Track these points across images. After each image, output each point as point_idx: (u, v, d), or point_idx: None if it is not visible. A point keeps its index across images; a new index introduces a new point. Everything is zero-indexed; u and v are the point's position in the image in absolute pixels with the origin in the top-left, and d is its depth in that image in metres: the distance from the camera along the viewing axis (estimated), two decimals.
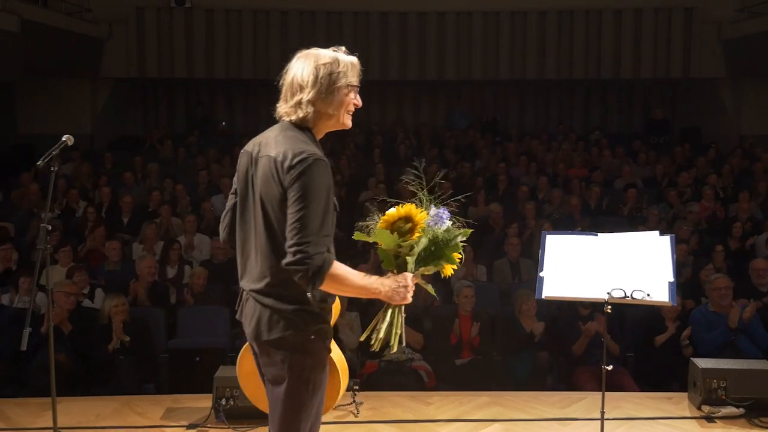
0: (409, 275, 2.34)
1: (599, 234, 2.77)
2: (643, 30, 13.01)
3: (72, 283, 5.89)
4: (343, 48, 2.39)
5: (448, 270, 2.40)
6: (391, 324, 2.37)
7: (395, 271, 2.36)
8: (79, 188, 9.64)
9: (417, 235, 2.31)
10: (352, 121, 2.44)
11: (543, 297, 2.76)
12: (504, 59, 13.23)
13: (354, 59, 2.38)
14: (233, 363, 4.67)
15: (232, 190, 2.49)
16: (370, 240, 2.38)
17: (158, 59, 13.31)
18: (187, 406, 4.56)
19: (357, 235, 2.40)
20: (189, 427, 4.23)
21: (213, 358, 5.33)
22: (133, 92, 14.45)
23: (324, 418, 4.32)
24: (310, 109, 2.32)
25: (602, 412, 3.15)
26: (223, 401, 4.19)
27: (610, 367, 2.95)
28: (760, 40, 11.84)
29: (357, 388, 4.47)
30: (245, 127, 14.74)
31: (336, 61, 2.32)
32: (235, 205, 2.46)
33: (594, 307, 5.67)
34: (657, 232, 2.75)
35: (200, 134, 13.33)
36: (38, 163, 3.44)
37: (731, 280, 5.59)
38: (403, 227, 2.34)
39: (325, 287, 2.22)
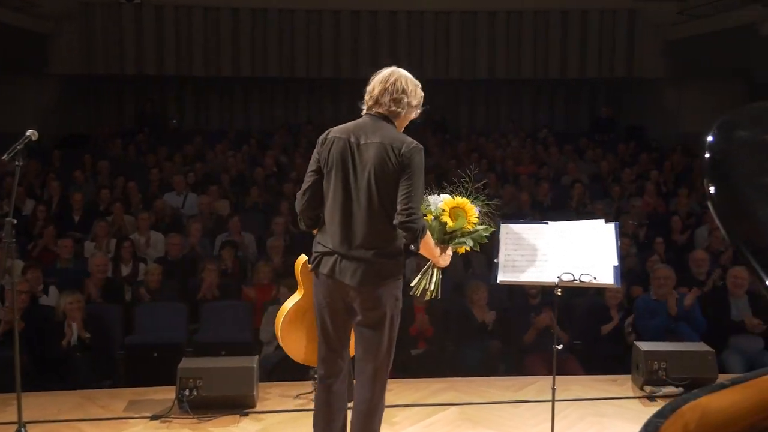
0: (450, 248, 3.13)
1: (550, 222, 2.97)
2: (588, 31, 13.37)
3: (25, 280, 5.85)
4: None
5: (462, 249, 3.15)
6: (436, 278, 3.19)
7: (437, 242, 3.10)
8: (26, 186, 9.49)
9: (470, 225, 3.08)
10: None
11: (498, 282, 2.96)
12: (455, 59, 13.44)
13: None
14: (192, 357, 4.76)
15: (314, 169, 3.10)
16: (450, 221, 3.11)
17: (106, 56, 13.12)
18: (149, 398, 4.60)
19: (425, 210, 3.11)
20: (152, 418, 4.27)
21: (170, 353, 5.36)
22: (81, 89, 14.20)
23: (285, 406, 4.46)
24: (402, 111, 3.06)
25: (553, 390, 3.34)
26: (187, 392, 4.25)
27: (560, 347, 3.14)
28: (700, 41, 12.30)
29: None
30: (196, 125, 14.67)
31: (421, 89, 3.17)
32: (316, 182, 3.09)
33: (543, 297, 5.90)
34: (602, 220, 2.94)
35: (150, 132, 13.20)
36: (3, 158, 3.47)
37: (673, 270, 5.88)
38: (460, 213, 3.11)
39: (423, 244, 2.97)
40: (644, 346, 4.65)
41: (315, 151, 3.17)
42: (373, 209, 2.99)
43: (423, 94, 3.16)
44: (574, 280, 2.70)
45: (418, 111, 3.16)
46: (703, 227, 8.03)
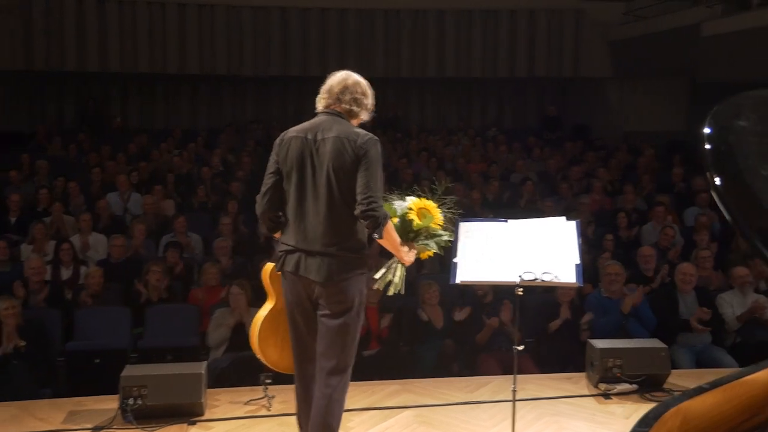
0: (414, 246, 3.19)
1: (509, 220, 2.91)
2: (536, 31, 13.49)
3: None
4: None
5: (425, 255, 3.22)
6: (401, 273, 3.30)
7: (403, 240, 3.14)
8: None
9: (435, 225, 3.13)
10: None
11: (458, 282, 2.89)
12: (405, 57, 13.41)
13: None
14: (136, 363, 4.58)
15: (273, 170, 3.15)
16: (417, 219, 3.17)
17: (47, 52, 12.66)
18: (90, 408, 4.39)
19: (387, 207, 3.17)
20: (94, 429, 4.08)
21: (113, 359, 5.15)
22: (19, 86, 13.68)
23: (234, 413, 4.31)
24: (358, 110, 3.17)
25: (514, 390, 3.29)
26: (131, 401, 4.07)
27: (521, 347, 3.09)
28: (643, 42, 12.54)
29: (269, 381, 4.44)
30: (141, 123, 14.30)
31: (373, 92, 3.28)
32: (276, 184, 3.14)
33: (495, 296, 5.87)
34: (564, 218, 2.90)
35: (92, 131, 12.79)
36: None
37: (622, 266, 5.92)
38: (427, 215, 3.19)
39: (384, 234, 2.99)
40: (599, 343, 4.65)
41: (273, 152, 3.21)
42: (334, 203, 3.04)
43: (373, 95, 3.29)
44: (536, 279, 2.65)
45: (370, 115, 3.26)
46: (650, 224, 8.14)
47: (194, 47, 13.12)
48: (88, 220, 7.64)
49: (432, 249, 3.16)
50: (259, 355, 3.63)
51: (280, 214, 3.25)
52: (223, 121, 14.18)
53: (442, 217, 3.19)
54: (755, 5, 10.15)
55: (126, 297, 6.16)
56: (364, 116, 3.24)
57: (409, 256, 3.19)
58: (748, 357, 5.25)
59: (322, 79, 3.29)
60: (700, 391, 1.39)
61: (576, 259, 2.67)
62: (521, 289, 2.82)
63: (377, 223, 2.97)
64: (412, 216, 3.17)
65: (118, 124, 13.80)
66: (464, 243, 2.84)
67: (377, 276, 3.28)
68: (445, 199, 3.28)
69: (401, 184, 10.16)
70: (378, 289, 5.58)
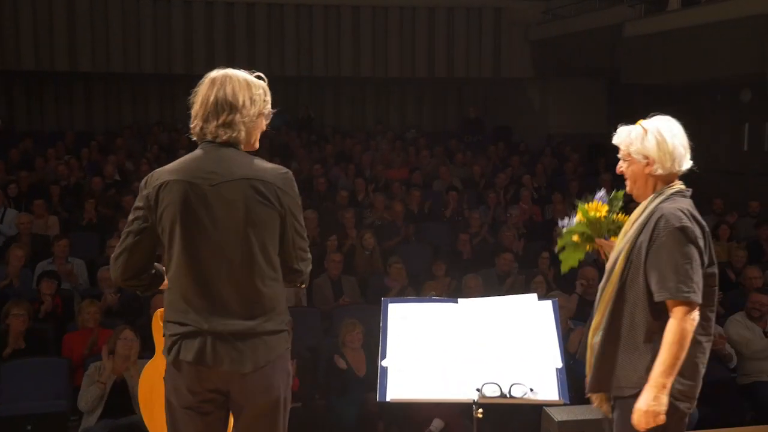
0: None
1: (460, 300, 2.05)
2: (455, 29, 12.98)
3: None
4: (258, 74, 2.46)
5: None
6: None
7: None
8: None
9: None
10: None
11: (388, 400, 1.97)
12: (318, 55, 12.62)
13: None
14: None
15: (137, 228, 2.37)
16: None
17: None
18: None
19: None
20: None
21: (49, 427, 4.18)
22: None
23: None
24: (242, 130, 2.36)
25: None
26: None
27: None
28: (563, 41, 12.22)
29: None
30: (30, 125, 12.97)
31: (264, 89, 2.44)
32: (139, 243, 2.37)
33: None
34: (535, 296, 2.13)
35: None
36: None
37: (567, 296, 5.31)
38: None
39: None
40: (557, 414, 3.84)
41: (137, 202, 2.40)
42: (251, 265, 2.33)
43: (267, 95, 2.45)
44: (502, 394, 1.85)
45: (268, 117, 2.49)
46: None
47: (86, 43, 11.89)
48: None
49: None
50: (146, 423, 2.89)
51: (145, 278, 2.45)
52: (123, 123, 13.02)
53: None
54: (677, 6, 9.89)
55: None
56: (261, 126, 2.45)
57: None
58: (706, 396, 4.73)
59: (257, 72, 2.45)
60: None
61: (557, 359, 1.88)
62: (480, 410, 1.92)
63: (306, 280, 2.48)
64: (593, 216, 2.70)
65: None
66: (396, 335, 1.94)
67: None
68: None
69: (314, 194, 9.39)
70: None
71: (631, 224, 2.51)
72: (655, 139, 2.48)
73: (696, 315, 2.33)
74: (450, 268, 6.74)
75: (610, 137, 2.64)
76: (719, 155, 10.80)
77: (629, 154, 2.52)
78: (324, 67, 12.75)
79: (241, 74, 2.41)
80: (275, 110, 2.48)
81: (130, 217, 2.40)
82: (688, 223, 2.36)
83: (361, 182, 9.73)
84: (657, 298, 2.34)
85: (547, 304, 2.00)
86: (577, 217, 2.77)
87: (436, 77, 13.29)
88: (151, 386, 2.68)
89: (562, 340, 1.91)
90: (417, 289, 6.36)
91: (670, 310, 2.33)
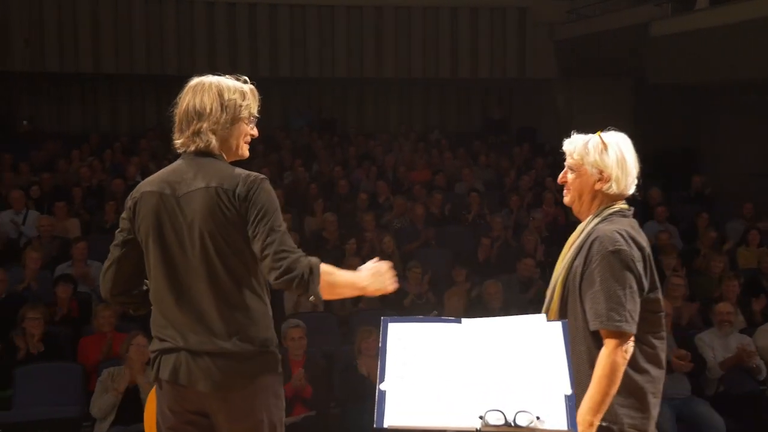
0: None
1: (463, 321, 1.93)
2: (479, 29, 12.84)
3: None
4: (243, 77, 2.37)
5: None
6: None
7: None
8: None
9: None
10: None
11: (385, 426, 1.85)
12: (341, 56, 12.56)
13: (254, 89, 2.37)
14: None
15: (120, 240, 2.33)
16: None
17: None
18: None
19: None
20: None
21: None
22: None
23: None
24: (212, 138, 2.26)
25: None
26: None
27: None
28: (589, 41, 12.04)
29: None
30: (56, 126, 13.07)
31: (241, 93, 2.31)
32: (124, 256, 2.31)
33: None
34: (543, 317, 2.01)
35: None
36: None
37: None
38: None
39: (323, 287, 2.20)
40: None
41: (123, 212, 2.36)
42: (219, 278, 2.21)
43: (246, 99, 2.32)
44: (507, 423, 1.73)
45: (251, 121, 2.35)
46: None
47: (110, 45, 11.96)
48: None
49: None
50: None
51: (137, 294, 2.37)
52: (147, 124, 13.07)
53: None
54: (705, 5, 9.68)
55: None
56: (242, 129, 2.32)
57: (382, 281, 2.32)
58: (734, 410, 4.58)
59: (253, 80, 2.37)
60: None
61: (566, 386, 1.74)
62: None
63: (303, 282, 2.15)
64: None
65: (25, 128, 12.53)
66: (395, 358, 1.79)
67: None
68: None
69: (335, 196, 9.33)
70: (297, 339, 4.76)
71: (569, 247, 2.37)
72: (616, 155, 2.33)
73: (630, 346, 2.15)
74: (470, 273, 6.63)
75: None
76: (749, 157, 10.55)
77: (581, 165, 2.36)
78: (347, 68, 12.69)
79: (215, 80, 2.31)
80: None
81: (117, 233, 2.34)
82: (623, 246, 2.20)
83: (382, 184, 9.64)
84: (591, 327, 2.18)
85: (557, 326, 1.88)
86: None
87: (460, 78, 13.16)
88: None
89: (570, 363, 1.80)
90: (436, 295, 6.26)
91: (603, 340, 2.17)
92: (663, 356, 2.33)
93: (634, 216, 2.38)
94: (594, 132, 2.43)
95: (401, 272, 6.82)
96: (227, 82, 2.32)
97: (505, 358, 1.82)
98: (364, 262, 2.45)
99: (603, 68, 12.27)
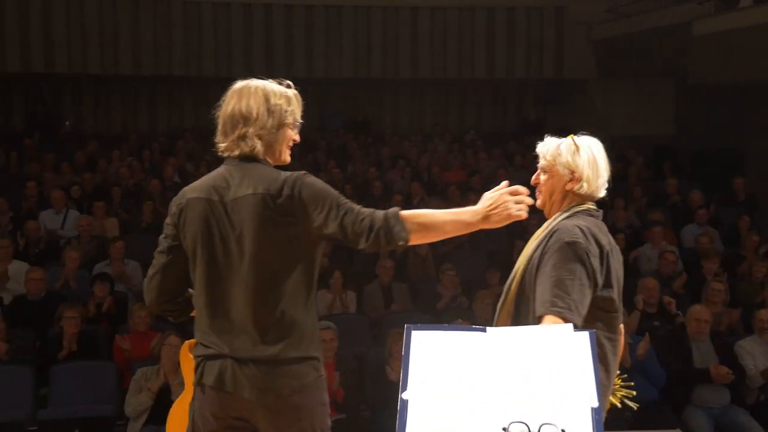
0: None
1: (488, 329, 1.88)
2: (516, 29, 12.72)
3: None
4: (287, 82, 2.35)
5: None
6: None
7: None
8: None
9: None
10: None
11: None
12: (376, 56, 12.56)
13: (297, 94, 2.35)
14: None
15: (165, 246, 2.31)
16: None
17: None
18: None
19: None
20: None
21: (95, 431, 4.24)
22: None
23: None
24: (257, 143, 2.24)
25: None
26: None
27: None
28: (627, 40, 11.84)
29: None
30: (97, 128, 13.31)
31: (287, 98, 2.30)
32: (171, 264, 2.30)
33: None
34: (570, 326, 1.95)
35: (41, 137, 11.74)
36: None
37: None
38: None
39: (413, 230, 2.16)
40: None
41: (168, 218, 2.34)
42: (269, 286, 2.20)
43: (291, 104, 2.30)
44: None
45: (295, 126, 2.34)
46: (647, 246, 7.26)
47: (149, 47, 12.14)
48: (6, 246, 6.59)
49: None
50: None
51: (181, 301, 2.38)
52: (185, 125, 13.23)
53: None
54: (750, 3, 9.43)
55: (37, 348, 5.17)
56: (287, 135, 2.31)
57: (501, 211, 2.26)
58: None
59: (286, 80, 2.37)
60: None
61: (593, 398, 1.68)
62: None
63: (389, 231, 2.12)
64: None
65: (67, 129, 12.78)
66: (418, 367, 1.73)
67: None
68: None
69: (369, 197, 9.31)
70: (329, 341, 4.73)
71: (533, 241, 2.39)
72: (587, 156, 2.35)
73: None
74: (504, 276, 6.54)
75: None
76: None
77: (554, 166, 2.38)
78: (382, 69, 12.69)
79: (261, 84, 2.30)
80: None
81: (162, 239, 2.34)
82: (579, 238, 2.19)
83: (416, 185, 9.60)
84: (537, 312, 2.17)
85: (584, 336, 1.82)
86: None
87: (496, 78, 13.06)
88: (181, 425, 2.56)
89: (597, 374, 1.74)
90: (470, 298, 6.20)
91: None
92: (612, 359, 2.30)
93: (604, 219, 2.39)
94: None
95: (435, 275, 6.79)
96: (273, 86, 2.31)
97: (530, 368, 1.77)
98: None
99: (643, 68, 12.06)
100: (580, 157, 2.35)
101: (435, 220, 2.23)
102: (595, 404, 1.69)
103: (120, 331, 5.51)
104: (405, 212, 2.19)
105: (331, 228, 2.15)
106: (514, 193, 2.30)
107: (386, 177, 10.39)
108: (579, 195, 2.34)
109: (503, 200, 2.28)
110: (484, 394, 1.73)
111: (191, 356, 2.54)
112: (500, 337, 1.83)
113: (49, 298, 5.88)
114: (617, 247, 2.37)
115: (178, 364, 4.43)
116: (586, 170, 2.33)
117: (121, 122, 13.77)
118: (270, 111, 2.25)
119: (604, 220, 2.46)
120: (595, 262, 2.20)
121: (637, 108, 12.91)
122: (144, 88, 13.60)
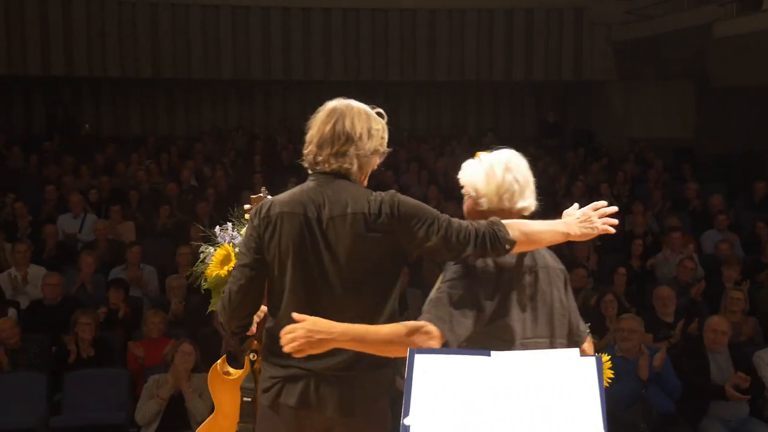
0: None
1: (493, 353, 1.86)
2: (534, 31, 12.64)
3: None
4: (378, 109, 2.42)
5: None
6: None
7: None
8: None
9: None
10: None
11: None
12: (393, 59, 12.53)
13: (385, 125, 2.41)
14: None
15: (250, 260, 2.28)
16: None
17: (8, 55, 11.75)
18: None
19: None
20: None
21: None
22: None
23: None
24: (354, 163, 2.29)
25: None
26: None
27: None
28: (648, 42, 11.73)
29: None
30: (116, 131, 13.41)
31: (384, 126, 2.38)
32: (255, 279, 2.28)
33: None
34: (577, 351, 1.92)
35: (61, 139, 11.85)
36: None
37: (635, 311, 4.99)
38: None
39: (517, 236, 2.19)
40: None
41: (250, 232, 2.32)
42: (361, 303, 2.25)
43: (385, 132, 2.38)
44: None
45: (383, 155, 2.40)
46: (666, 252, 7.14)
47: (168, 50, 12.21)
48: (23, 250, 6.66)
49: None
50: None
51: (252, 319, 2.38)
52: (203, 128, 13.30)
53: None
54: None
55: (51, 354, 5.20)
56: (375, 162, 2.38)
57: (587, 224, 2.35)
58: None
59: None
60: None
61: (598, 425, 1.64)
62: None
63: (495, 238, 2.14)
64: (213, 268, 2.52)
65: (86, 132, 12.88)
66: (420, 390, 1.74)
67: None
68: None
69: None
70: None
71: None
72: (485, 172, 2.28)
73: (433, 344, 2.09)
74: None
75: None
76: None
77: (465, 189, 2.34)
78: (399, 71, 12.66)
79: (363, 107, 2.36)
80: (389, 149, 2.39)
81: (243, 253, 2.32)
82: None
83: (433, 189, 9.54)
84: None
85: (590, 361, 1.78)
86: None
87: (514, 80, 12.98)
88: None
89: (604, 399, 1.70)
90: None
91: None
92: None
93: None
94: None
95: None
96: (371, 112, 2.37)
97: (534, 393, 1.74)
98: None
99: (663, 70, 11.95)
100: (477, 174, 2.29)
101: (534, 230, 2.26)
102: (601, 431, 1.65)
103: (134, 336, 5.52)
104: (505, 221, 2.21)
105: (434, 240, 2.17)
106: (596, 209, 2.37)
107: (402, 180, 10.35)
108: (489, 213, 2.26)
109: (589, 215, 2.36)
110: (487, 419, 1.70)
111: (224, 377, 2.54)
112: (505, 362, 1.80)
113: (66, 303, 5.92)
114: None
115: (190, 371, 4.48)
116: (483, 186, 2.27)
117: (140, 125, 13.87)
118: (371, 135, 2.31)
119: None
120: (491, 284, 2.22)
121: (656, 110, 12.77)
122: (163, 91, 13.69)
